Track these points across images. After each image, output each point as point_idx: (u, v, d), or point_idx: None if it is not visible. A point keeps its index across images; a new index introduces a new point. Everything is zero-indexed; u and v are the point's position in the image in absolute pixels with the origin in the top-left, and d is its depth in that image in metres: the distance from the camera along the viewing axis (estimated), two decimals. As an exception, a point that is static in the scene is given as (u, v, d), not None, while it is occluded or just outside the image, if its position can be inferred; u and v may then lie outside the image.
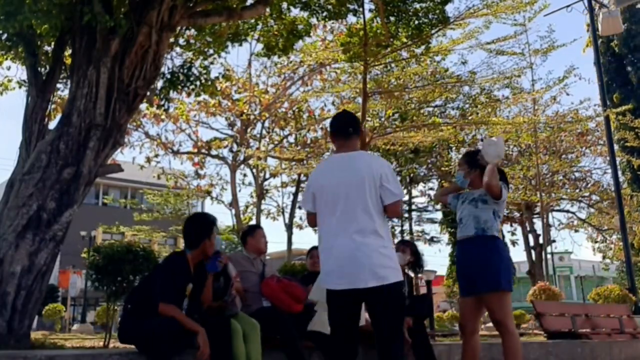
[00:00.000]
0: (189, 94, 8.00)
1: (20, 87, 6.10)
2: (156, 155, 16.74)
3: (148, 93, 5.57)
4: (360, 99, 11.66)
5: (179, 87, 6.75)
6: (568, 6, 15.08)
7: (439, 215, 25.28)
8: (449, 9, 8.97)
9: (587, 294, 15.83)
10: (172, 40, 6.24)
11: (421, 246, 24.60)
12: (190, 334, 3.27)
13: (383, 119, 13.05)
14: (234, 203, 17.22)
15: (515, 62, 12.78)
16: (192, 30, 6.89)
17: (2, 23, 4.66)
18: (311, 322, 4.17)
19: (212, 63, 7.40)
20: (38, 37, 5.44)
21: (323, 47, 12.00)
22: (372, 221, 3.11)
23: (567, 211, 19.56)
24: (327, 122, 16.25)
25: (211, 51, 7.21)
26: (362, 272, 3.01)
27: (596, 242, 20.77)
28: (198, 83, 6.83)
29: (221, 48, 7.21)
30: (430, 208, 24.88)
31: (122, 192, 36.40)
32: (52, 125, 5.17)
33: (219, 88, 11.31)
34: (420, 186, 22.65)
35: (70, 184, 4.64)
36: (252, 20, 7.31)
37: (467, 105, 14.36)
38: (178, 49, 6.99)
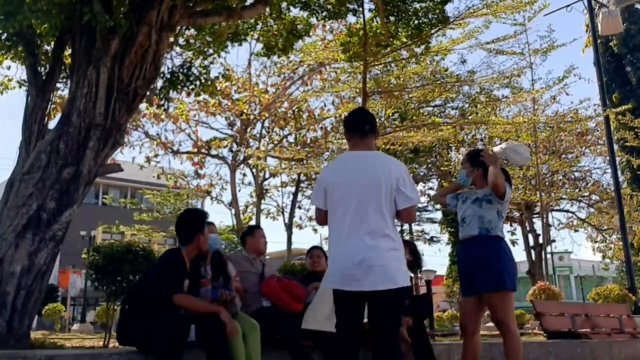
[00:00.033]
0: (189, 94, 8.00)
1: (20, 87, 6.10)
2: (156, 156, 16.75)
3: (148, 93, 5.58)
4: (360, 99, 11.67)
5: (179, 87, 6.75)
6: (568, 6, 15.11)
7: (439, 215, 25.33)
8: (449, 9, 8.97)
9: (587, 294, 15.83)
10: (172, 40, 6.24)
11: (421, 246, 24.67)
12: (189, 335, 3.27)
13: (383, 119, 13.06)
14: (234, 203, 17.22)
15: (515, 62, 12.81)
16: (192, 30, 6.89)
17: (2, 23, 4.66)
18: (305, 321, 4.09)
19: (212, 63, 7.41)
20: (38, 37, 5.44)
21: (323, 47, 11.99)
22: (385, 223, 3.06)
23: (567, 211, 19.57)
24: (327, 122, 16.33)
25: (211, 51, 7.21)
26: (371, 275, 2.96)
27: (596, 242, 20.79)
28: (198, 83, 6.84)
29: (221, 48, 7.21)
30: (430, 208, 24.91)
31: (122, 192, 36.41)
32: (52, 125, 5.18)
33: (219, 88, 11.31)
34: (420, 186, 22.61)
35: (70, 184, 4.64)
36: (252, 20, 7.31)
37: (467, 105, 14.37)
38: (178, 49, 7.00)
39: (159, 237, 20.58)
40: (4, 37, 5.30)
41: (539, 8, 12.57)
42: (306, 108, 16.54)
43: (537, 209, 17.54)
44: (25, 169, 4.65)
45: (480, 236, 3.95)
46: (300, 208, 19.02)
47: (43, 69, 5.56)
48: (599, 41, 15.88)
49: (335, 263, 3.10)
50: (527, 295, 10.93)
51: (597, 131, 16.80)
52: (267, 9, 6.93)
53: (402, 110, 13.35)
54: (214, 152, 17.27)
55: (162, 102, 6.93)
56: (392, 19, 8.60)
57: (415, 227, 24.69)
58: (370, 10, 8.72)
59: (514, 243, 19.76)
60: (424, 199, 23.96)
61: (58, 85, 5.73)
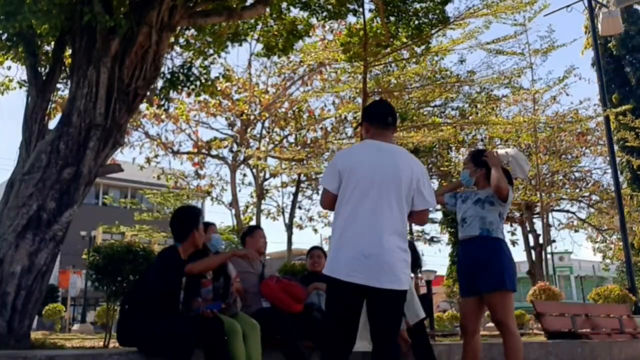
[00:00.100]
0: (189, 94, 8.00)
1: (20, 87, 6.10)
2: (156, 156, 16.76)
3: (148, 93, 5.58)
4: (360, 99, 11.67)
5: (179, 87, 6.75)
6: (568, 6, 15.11)
7: (439, 215, 25.27)
8: (449, 9, 8.99)
9: (587, 294, 15.83)
10: (172, 40, 6.24)
11: (421, 246, 24.64)
12: (190, 334, 3.27)
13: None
14: (234, 203, 17.22)
15: (515, 62, 12.85)
16: (192, 30, 6.89)
17: (2, 23, 4.66)
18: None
19: (212, 63, 7.41)
20: (38, 37, 5.44)
21: (323, 47, 12.00)
22: (402, 221, 3.00)
23: (567, 211, 19.58)
24: (327, 122, 16.34)
25: (211, 51, 7.21)
26: (379, 271, 2.87)
27: (596, 242, 20.79)
28: (198, 83, 6.84)
29: (221, 48, 7.21)
30: (430, 208, 24.85)
31: (122, 192, 36.41)
32: (52, 125, 5.18)
33: (219, 88, 11.31)
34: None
35: (70, 184, 4.64)
36: (252, 20, 7.31)
37: (467, 105, 14.37)
38: (178, 49, 7.00)
39: (159, 237, 20.58)
40: (4, 37, 5.30)
41: (539, 8, 12.59)
42: (306, 108, 16.55)
43: (537, 209, 17.55)
44: (25, 169, 4.65)
45: (480, 237, 3.95)
46: (300, 208, 19.02)
47: (43, 69, 5.56)
48: (598, 42, 15.88)
49: (342, 250, 2.93)
50: (527, 295, 10.93)
51: (597, 131, 16.81)
52: (267, 9, 6.94)
53: (402, 110, 13.34)
54: (214, 152, 17.28)
55: (162, 102, 6.93)
56: (392, 19, 8.60)
57: (415, 227, 24.65)
58: (370, 10, 8.73)
59: (514, 243, 19.78)
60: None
61: (58, 85, 5.72)
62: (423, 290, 10.96)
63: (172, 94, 7.42)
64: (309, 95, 14.47)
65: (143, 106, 11.00)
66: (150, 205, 21.01)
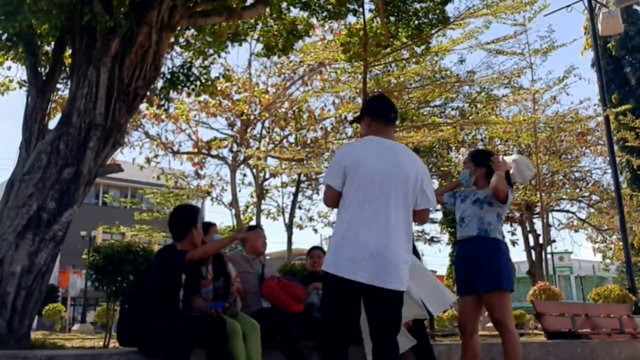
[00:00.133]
0: (189, 94, 8.00)
1: (20, 87, 6.10)
2: (156, 156, 16.74)
3: (148, 93, 5.58)
4: (360, 99, 11.67)
5: (179, 87, 6.75)
6: (568, 6, 15.12)
7: (439, 215, 25.26)
8: (449, 9, 8.99)
9: (587, 294, 15.83)
10: (172, 40, 6.24)
11: (421, 246, 24.66)
12: (190, 334, 3.27)
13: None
14: (234, 203, 17.22)
15: (515, 62, 12.83)
16: (192, 30, 6.89)
17: (2, 23, 4.66)
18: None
19: (212, 63, 7.41)
20: (38, 37, 5.44)
21: (323, 47, 12.00)
22: (407, 221, 2.98)
23: (567, 211, 19.57)
24: (327, 122, 16.33)
25: (211, 51, 7.21)
26: (384, 271, 2.83)
27: (596, 242, 20.79)
28: (198, 83, 6.84)
29: (221, 48, 7.21)
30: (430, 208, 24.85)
31: (122, 192, 36.42)
32: (52, 125, 5.18)
33: (219, 88, 11.32)
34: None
35: (70, 184, 4.64)
36: (252, 20, 7.31)
37: (466, 105, 14.37)
38: (178, 49, 7.00)
39: (159, 237, 20.58)
40: (4, 37, 5.30)
41: (538, 8, 12.60)
42: (306, 108, 16.53)
43: (537, 209, 17.53)
44: (25, 169, 4.65)
45: (478, 237, 3.96)
46: (300, 208, 19.00)
47: (43, 69, 5.56)
48: (597, 42, 15.89)
49: (347, 249, 2.87)
50: (527, 295, 10.93)
51: (597, 131, 16.81)
52: (267, 9, 6.94)
53: (402, 110, 13.33)
54: (214, 152, 17.27)
55: (162, 102, 6.93)
56: (392, 19, 8.61)
57: (415, 227, 24.65)
58: (370, 10, 8.73)
59: (514, 243, 19.78)
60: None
61: (58, 85, 5.72)
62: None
63: (172, 94, 7.42)
64: (309, 95, 14.47)
65: (143, 106, 11.02)
66: (150, 205, 21.02)
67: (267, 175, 17.62)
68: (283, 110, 16.65)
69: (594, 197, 18.14)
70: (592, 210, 18.90)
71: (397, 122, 13.99)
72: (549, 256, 19.32)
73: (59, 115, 5.28)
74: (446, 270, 28.50)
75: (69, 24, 5.22)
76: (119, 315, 3.82)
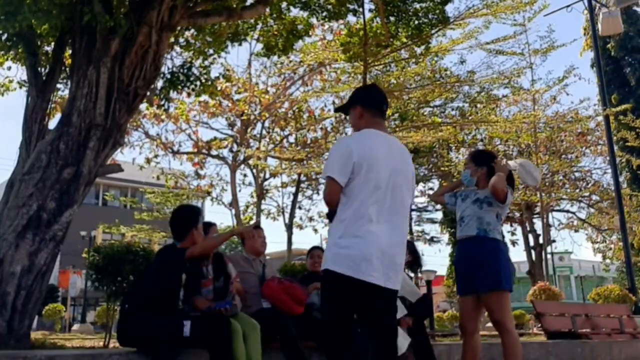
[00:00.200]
0: (189, 94, 8.00)
1: (20, 87, 6.10)
2: (156, 156, 16.73)
3: (148, 93, 5.58)
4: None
5: (179, 87, 6.75)
6: (568, 6, 15.13)
7: (439, 215, 25.32)
8: (449, 9, 8.99)
9: (587, 294, 15.83)
10: (172, 40, 6.24)
11: (421, 246, 24.71)
12: (194, 334, 3.27)
13: (383, 119, 13.02)
14: (234, 203, 17.21)
15: (515, 62, 12.85)
16: (192, 30, 6.89)
17: (2, 23, 4.66)
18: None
19: (212, 63, 7.41)
20: (38, 37, 5.44)
21: (323, 47, 12.01)
22: (407, 220, 2.93)
23: (567, 211, 19.56)
24: (327, 122, 16.32)
25: (211, 51, 7.21)
26: (390, 271, 2.78)
27: (596, 242, 20.79)
28: (198, 83, 6.84)
29: (221, 48, 7.21)
30: (430, 208, 24.90)
31: (122, 192, 36.41)
32: (52, 125, 5.18)
33: (219, 88, 11.31)
34: (420, 186, 22.63)
35: (70, 184, 4.64)
36: (252, 20, 7.31)
37: (466, 105, 14.37)
38: (178, 49, 7.00)
39: (159, 237, 20.59)
40: (4, 37, 5.29)
41: (538, 8, 12.62)
42: (306, 108, 16.53)
43: (537, 209, 17.53)
44: (25, 169, 4.65)
45: (477, 237, 3.96)
46: (300, 208, 19.00)
47: (43, 69, 5.56)
48: (597, 42, 15.90)
49: (354, 245, 2.74)
50: (527, 295, 10.94)
51: (597, 131, 16.81)
52: (267, 9, 6.94)
53: (402, 110, 13.35)
54: (214, 152, 17.26)
55: (162, 102, 6.93)
56: (392, 19, 8.60)
57: (415, 227, 24.69)
58: (370, 10, 8.73)
59: (514, 243, 19.77)
60: (423, 199, 23.99)
61: (58, 85, 5.72)
62: (423, 290, 10.93)
63: (172, 94, 7.43)
64: (309, 95, 14.47)
65: (143, 106, 11.02)
66: (150, 205, 21.02)
67: (267, 175, 17.62)
68: (283, 110, 16.65)
69: (594, 197, 18.14)
70: (592, 210, 18.89)
71: (397, 122, 14.00)
72: (549, 256, 19.33)
73: (59, 115, 5.28)
74: (446, 270, 28.53)
75: (69, 24, 5.22)
76: (119, 315, 3.82)
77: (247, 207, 18.90)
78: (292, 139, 17.13)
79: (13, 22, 4.58)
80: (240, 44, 7.59)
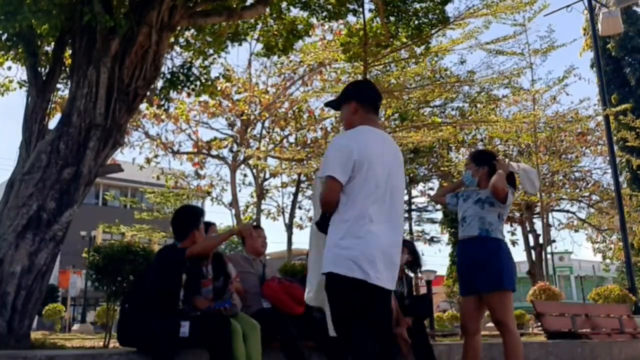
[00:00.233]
0: (189, 94, 7.99)
1: (20, 87, 6.10)
2: (156, 156, 16.73)
3: (148, 93, 5.58)
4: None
5: (179, 87, 6.76)
6: (568, 6, 15.13)
7: (439, 215, 25.33)
8: (449, 9, 9.00)
9: (587, 294, 15.83)
10: (172, 40, 6.24)
11: (421, 246, 24.71)
12: (194, 334, 3.27)
13: (383, 119, 13.05)
14: (234, 203, 17.21)
15: (515, 62, 12.84)
16: (192, 30, 6.90)
17: (2, 23, 4.66)
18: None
19: (212, 63, 7.41)
20: (38, 37, 5.44)
21: (323, 47, 12.01)
22: (404, 218, 2.96)
23: (567, 211, 19.56)
24: (327, 122, 16.32)
25: (211, 51, 7.21)
26: (390, 272, 2.74)
27: (596, 242, 20.79)
28: (198, 83, 6.84)
29: (221, 48, 7.22)
30: (430, 208, 24.91)
31: (122, 192, 36.40)
32: (52, 125, 5.18)
33: (219, 88, 11.31)
34: (420, 186, 22.65)
35: (70, 184, 4.64)
36: (252, 20, 7.32)
37: (466, 105, 14.37)
38: (178, 49, 7.00)
39: (159, 237, 20.59)
40: (4, 37, 5.30)
41: (538, 8, 12.62)
42: (306, 108, 16.53)
43: (537, 209, 17.53)
44: (25, 169, 4.65)
45: (479, 237, 3.96)
46: (300, 208, 19.01)
47: (43, 69, 5.56)
48: (597, 42, 15.90)
49: (354, 247, 2.66)
50: (527, 295, 10.93)
51: (597, 131, 16.82)
52: (267, 9, 6.94)
53: (402, 110, 13.35)
54: (214, 152, 17.26)
55: (162, 102, 6.93)
56: (392, 19, 8.61)
57: (415, 227, 24.69)
58: (370, 10, 8.73)
59: (514, 243, 19.79)
60: (423, 199, 24.01)
61: (58, 85, 5.72)
62: (423, 290, 10.94)
63: (172, 94, 7.43)
64: (309, 95, 14.46)
65: (143, 106, 11.02)
66: (150, 205, 21.03)
67: (267, 175, 17.63)
68: (283, 110, 16.65)
69: (594, 197, 18.14)
70: (592, 210, 18.90)
71: (397, 122, 13.97)
72: (549, 256, 19.31)
73: (59, 115, 5.28)
74: (446, 270, 28.53)
75: (69, 24, 5.22)
76: (119, 315, 3.82)
77: (247, 207, 18.91)
78: (292, 139, 17.14)
79: (13, 22, 4.58)
80: (240, 44, 7.60)
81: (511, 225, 19.59)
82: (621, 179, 20.63)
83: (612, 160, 13.20)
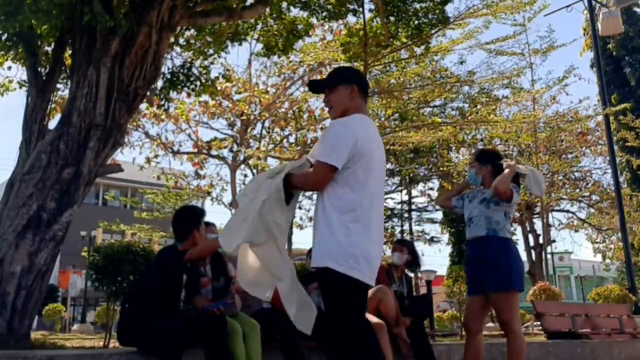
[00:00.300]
0: (189, 94, 7.99)
1: (20, 88, 6.10)
2: (156, 156, 16.72)
3: (148, 93, 5.57)
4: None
5: (179, 87, 6.76)
6: (568, 6, 15.14)
7: (439, 215, 25.32)
8: (449, 9, 9.02)
9: (587, 294, 15.83)
10: (172, 40, 6.24)
11: (421, 246, 24.70)
12: (190, 334, 3.27)
13: (383, 119, 13.06)
14: (234, 203, 17.20)
15: (515, 62, 12.85)
16: (192, 30, 6.90)
17: (2, 23, 4.66)
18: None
19: (212, 63, 7.42)
20: (38, 37, 5.44)
21: (323, 47, 12.01)
22: None
23: (567, 211, 19.55)
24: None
25: (211, 51, 7.21)
26: (376, 271, 2.65)
27: (596, 242, 20.78)
28: (198, 83, 6.84)
29: (221, 48, 7.22)
30: (430, 208, 24.89)
31: (122, 192, 36.40)
32: (52, 125, 5.18)
33: (219, 88, 11.31)
34: (420, 186, 22.64)
35: (70, 184, 4.64)
36: (252, 20, 7.32)
37: (466, 105, 14.38)
38: (178, 49, 7.00)
39: (159, 236, 20.59)
40: (4, 37, 5.29)
41: (538, 8, 12.64)
42: (306, 108, 16.52)
43: (537, 209, 17.53)
44: (25, 169, 4.65)
45: (487, 236, 3.96)
46: (300, 208, 18.98)
47: (43, 69, 5.56)
48: (597, 42, 15.90)
49: (354, 244, 2.54)
50: (527, 295, 10.93)
51: (597, 131, 16.81)
52: (267, 9, 6.94)
53: (402, 110, 13.35)
54: (214, 152, 17.25)
55: (162, 102, 6.93)
56: (392, 19, 8.61)
57: (415, 227, 24.68)
58: (370, 10, 8.74)
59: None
60: (424, 199, 23.99)
61: (58, 85, 5.72)
62: (423, 290, 10.93)
63: (172, 94, 7.42)
64: (309, 95, 14.47)
65: (143, 106, 11.02)
66: (150, 205, 21.02)
67: (267, 176, 17.60)
68: (283, 110, 16.64)
69: (594, 197, 18.13)
70: (592, 210, 18.89)
71: (397, 122, 13.95)
72: (549, 256, 19.33)
73: (59, 115, 5.28)
74: (446, 270, 28.50)
75: (69, 24, 5.22)
76: (119, 315, 3.82)
77: (247, 207, 18.86)
78: (292, 139, 17.12)
79: (13, 22, 4.58)
80: (240, 44, 7.60)
81: (511, 225, 19.58)
82: (621, 179, 20.64)
83: (612, 160, 13.20)
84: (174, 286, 3.46)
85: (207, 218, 3.98)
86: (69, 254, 20.62)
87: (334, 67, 13.08)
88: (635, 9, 25.16)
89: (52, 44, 5.65)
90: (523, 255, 19.31)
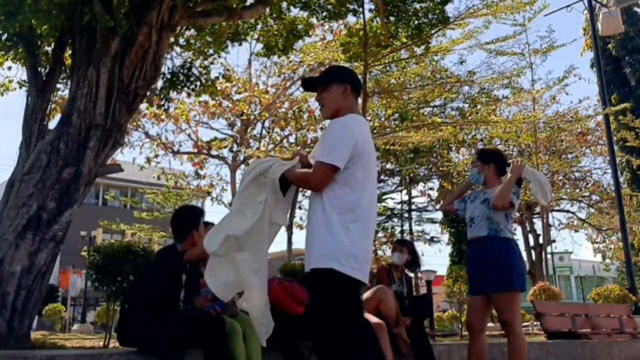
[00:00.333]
0: (189, 94, 7.99)
1: (20, 88, 6.10)
2: (156, 156, 16.71)
3: (148, 93, 5.58)
4: (360, 99, 11.65)
5: (179, 87, 6.76)
6: (568, 6, 15.14)
7: (439, 215, 25.32)
8: (449, 9, 9.02)
9: (587, 294, 15.83)
10: (172, 40, 6.24)
11: (421, 246, 24.70)
12: (189, 334, 3.27)
13: (383, 119, 13.06)
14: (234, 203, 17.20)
15: (515, 62, 12.84)
16: (192, 30, 6.90)
17: (2, 23, 4.66)
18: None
19: (212, 63, 7.42)
20: (38, 37, 5.44)
21: (323, 47, 12.01)
22: None
23: (567, 211, 19.54)
24: (327, 123, 16.34)
25: (211, 51, 7.22)
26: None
27: (596, 242, 20.78)
28: (198, 83, 6.84)
29: (221, 48, 7.22)
30: (430, 208, 24.89)
31: (122, 192, 36.38)
32: (52, 125, 5.18)
33: (219, 88, 11.31)
34: (420, 186, 22.64)
35: (70, 184, 4.64)
36: (252, 20, 7.32)
37: (466, 105, 14.38)
38: (178, 49, 7.00)
39: (159, 236, 20.58)
40: (4, 37, 5.29)
41: (538, 8, 12.64)
42: (306, 108, 16.52)
43: (537, 209, 17.53)
44: (25, 169, 4.65)
45: (488, 237, 3.96)
46: (300, 208, 18.98)
47: (43, 69, 5.56)
48: (597, 42, 15.90)
49: (354, 245, 2.54)
50: (527, 295, 10.93)
51: (597, 131, 16.81)
52: (267, 9, 6.94)
53: (402, 110, 13.35)
54: (214, 152, 17.25)
55: (162, 102, 6.93)
56: (392, 19, 8.62)
57: (415, 227, 24.67)
58: (370, 10, 8.74)
59: (514, 243, 19.74)
60: (424, 199, 24.00)
61: (58, 85, 5.72)
62: (423, 290, 10.94)
63: (172, 94, 7.43)
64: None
65: (143, 106, 11.02)
66: (150, 205, 21.03)
67: (267, 175, 17.59)
68: (283, 110, 16.64)
69: (594, 197, 18.13)
70: (592, 210, 18.88)
71: (397, 122, 13.93)
72: (549, 256, 19.32)
73: (59, 115, 5.28)
74: (446, 270, 28.49)
75: (69, 24, 5.22)
76: (119, 315, 3.82)
77: (247, 207, 18.85)
78: (292, 139, 17.11)
79: (13, 22, 4.58)
80: (240, 44, 7.60)
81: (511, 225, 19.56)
82: (621, 179, 20.64)
83: (612, 160, 13.20)
84: (173, 286, 3.46)
85: (207, 218, 3.98)
86: (69, 254, 20.61)
87: (333, 67, 13.10)
88: (635, 9, 25.17)
89: (52, 44, 5.65)
90: (523, 255, 19.33)
